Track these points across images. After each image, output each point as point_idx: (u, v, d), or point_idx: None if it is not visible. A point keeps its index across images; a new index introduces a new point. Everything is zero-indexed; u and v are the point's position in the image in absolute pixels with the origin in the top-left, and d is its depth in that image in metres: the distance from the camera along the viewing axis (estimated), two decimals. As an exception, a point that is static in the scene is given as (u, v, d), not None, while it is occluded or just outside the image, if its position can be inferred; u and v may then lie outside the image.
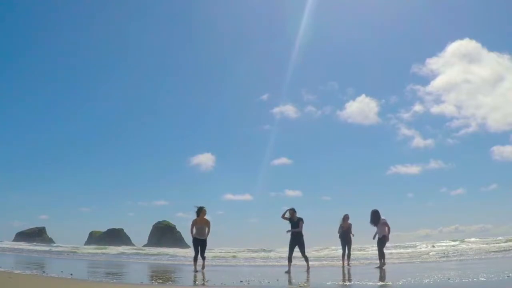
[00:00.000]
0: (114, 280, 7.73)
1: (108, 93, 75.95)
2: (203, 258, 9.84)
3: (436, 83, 57.18)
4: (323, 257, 19.08)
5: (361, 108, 61.05)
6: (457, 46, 55.55)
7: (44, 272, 8.35)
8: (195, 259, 9.82)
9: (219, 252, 25.68)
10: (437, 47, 76.39)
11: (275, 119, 65.60)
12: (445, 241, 26.14)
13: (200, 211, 9.83)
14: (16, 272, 8.05)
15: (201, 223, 9.79)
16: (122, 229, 75.37)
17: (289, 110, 65.37)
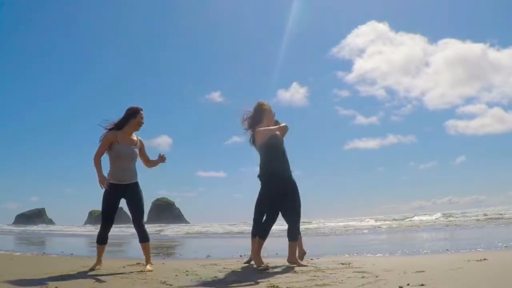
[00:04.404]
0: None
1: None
2: (143, 237, 4.62)
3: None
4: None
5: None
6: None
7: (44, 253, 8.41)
8: (101, 237, 4.60)
9: (212, 227, 25.91)
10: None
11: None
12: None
13: (133, 115, 4.60)
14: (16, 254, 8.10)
15: (127, 142, 4.57)
16: (121, 208, 75.82)
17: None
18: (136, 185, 4.66)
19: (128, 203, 4.65)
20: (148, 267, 4.58)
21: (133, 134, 4.72)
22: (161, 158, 4.86)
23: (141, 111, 4.71)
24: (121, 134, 4.60)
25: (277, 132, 4.80)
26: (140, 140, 4.78)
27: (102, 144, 4.53)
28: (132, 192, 4.61)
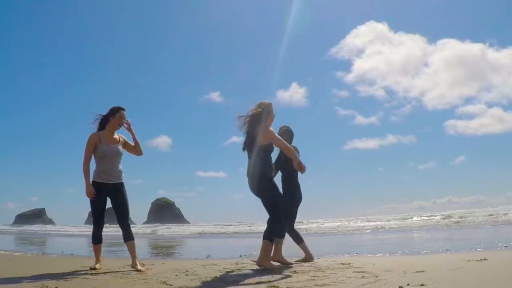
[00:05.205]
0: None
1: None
2: (127, 236, 4.60)
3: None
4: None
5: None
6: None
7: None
8: (95, 237, 4.59)
9: (213, 227, 25.89)
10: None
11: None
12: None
13: (112, 114, 4.59)
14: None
15: (110, 141, 4.56)
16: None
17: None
18: (121, 185, 4.63)
19: (114, 203, 4.62)
20: (139, 266, 4.54)
21: (115, 133, 4.70)
22: (128, 128, 4.72)
23: (122, 111, 4.66)
24: (104, 134, 4.60)
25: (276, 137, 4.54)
26: (121, 136, 4.76)
27: (88, 147, 4.52)
28: (118, 193, 4.59)
